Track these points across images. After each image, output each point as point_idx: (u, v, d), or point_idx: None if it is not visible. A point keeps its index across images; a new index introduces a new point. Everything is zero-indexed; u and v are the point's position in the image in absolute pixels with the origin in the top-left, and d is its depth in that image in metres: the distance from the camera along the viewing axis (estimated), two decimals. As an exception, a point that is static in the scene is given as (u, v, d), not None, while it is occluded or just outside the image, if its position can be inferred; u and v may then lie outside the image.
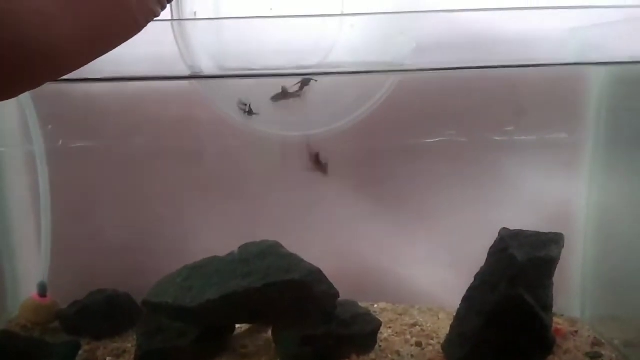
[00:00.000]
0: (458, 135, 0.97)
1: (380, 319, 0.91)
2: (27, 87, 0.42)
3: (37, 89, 0.43)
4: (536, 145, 0.98)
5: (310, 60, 0.76)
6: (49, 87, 0.46)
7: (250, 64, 0.74)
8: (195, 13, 0.82)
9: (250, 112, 0.91)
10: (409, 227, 1.05)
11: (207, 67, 0.78)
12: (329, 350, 0.85)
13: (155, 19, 0.47)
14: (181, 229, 1.04)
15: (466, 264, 0.86)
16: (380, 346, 0.91)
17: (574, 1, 0.73)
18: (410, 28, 0.73)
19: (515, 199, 1.02)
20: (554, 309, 0.83)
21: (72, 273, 1.02)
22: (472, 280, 0.85)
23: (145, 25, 0.44)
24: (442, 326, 0.96)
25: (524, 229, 0.83)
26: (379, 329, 0.90)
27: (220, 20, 0.80)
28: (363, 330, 0.88)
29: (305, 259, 0.86)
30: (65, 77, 0.44)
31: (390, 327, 0.97)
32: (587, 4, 0.72)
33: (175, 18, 0.78)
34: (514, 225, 0.85)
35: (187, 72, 0.77)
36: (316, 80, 0.89)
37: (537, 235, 0.82)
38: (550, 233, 0.82)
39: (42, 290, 0.98)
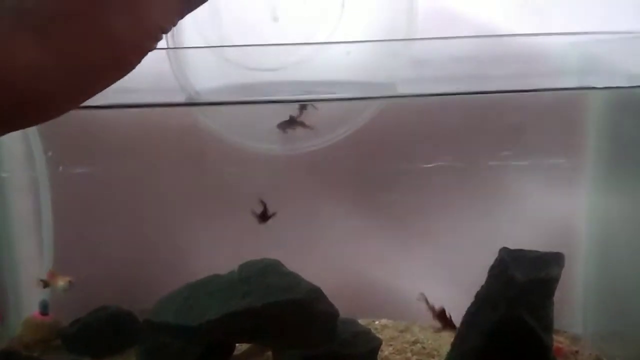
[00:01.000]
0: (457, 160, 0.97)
1: (381, 336, 0.90)
2: (16, 128, 0.41)
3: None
4: (536, 165, 0.98)
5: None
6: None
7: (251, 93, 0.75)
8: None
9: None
10: (411, 245, 1.05)
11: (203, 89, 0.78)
12: (329, 370, 0.85)
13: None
14: (181, 248, 1.04)
15: (467, 281, 0.85)
16: (381, 364, 0.90)
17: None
18: (403, 51, 0.74)
19: (516, 216, 1.01)
20: (556, 326, 0.82)
21: (74, 291, 1.02)
22: (473, 298, 0.84)
23: (138, 63, 0.43)
24: (443, 344, 0.96)
25: (524, 248, 0.83)
26: (379, 348, 0.89)
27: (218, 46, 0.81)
28: (364, 349, 0.87)
29: (305, 277, 0.85)
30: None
31: (391, 345, 0.97)
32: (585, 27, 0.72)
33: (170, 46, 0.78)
34: (515, 243, 0.84)
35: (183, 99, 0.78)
36: (316, 108, 0.89)
37: (537, 254, 0.81)
38: (550, 253, 0.81)
39: (44, 309, 0.99)
